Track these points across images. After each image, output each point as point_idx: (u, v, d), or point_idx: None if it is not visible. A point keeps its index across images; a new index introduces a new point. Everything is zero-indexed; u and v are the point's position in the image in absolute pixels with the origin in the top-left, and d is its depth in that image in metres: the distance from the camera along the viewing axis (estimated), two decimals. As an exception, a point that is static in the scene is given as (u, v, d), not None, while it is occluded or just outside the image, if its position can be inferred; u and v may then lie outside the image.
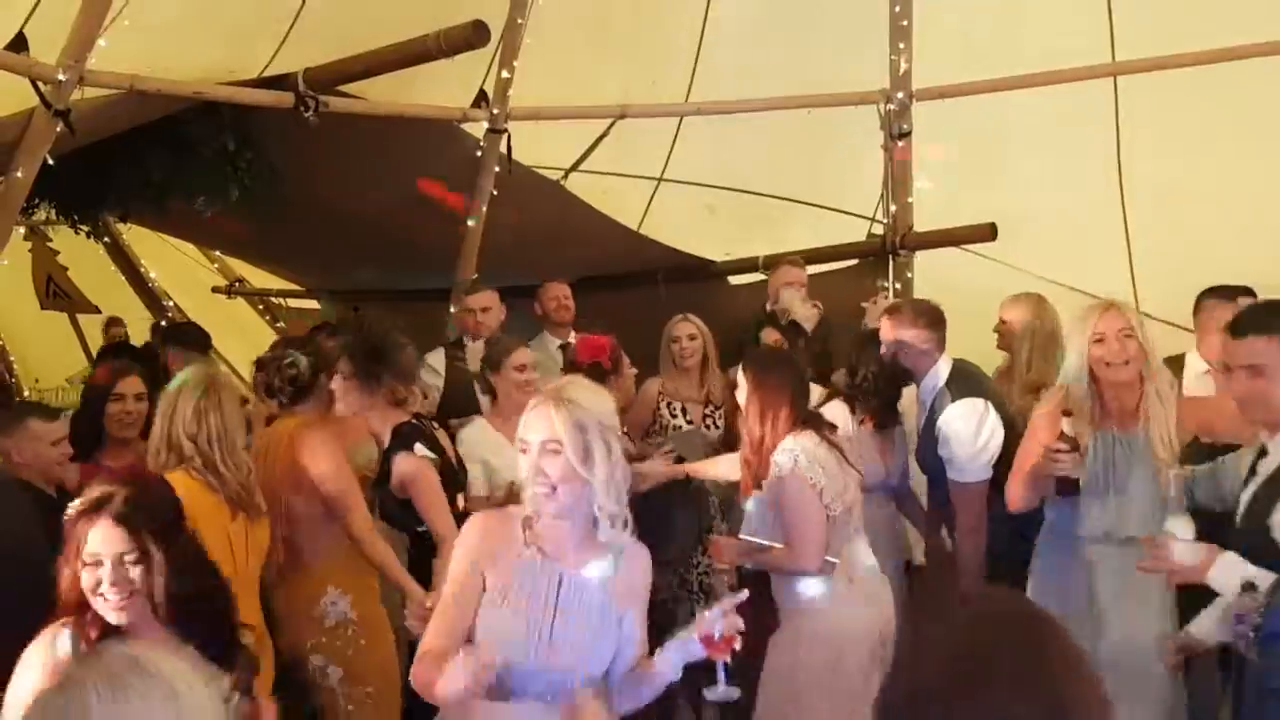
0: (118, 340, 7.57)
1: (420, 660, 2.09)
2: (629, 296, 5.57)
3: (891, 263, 5.48)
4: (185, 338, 5.07)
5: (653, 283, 5.71)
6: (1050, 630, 1.13)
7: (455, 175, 5.56)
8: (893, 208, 5.47)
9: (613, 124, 5.49)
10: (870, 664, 2.87)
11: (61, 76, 4.06)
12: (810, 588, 2.98)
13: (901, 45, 5.28)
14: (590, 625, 2.12)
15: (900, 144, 5.35)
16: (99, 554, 1.95)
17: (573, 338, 4.81)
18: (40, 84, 4.06)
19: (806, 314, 4.29)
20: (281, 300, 8.83)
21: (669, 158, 5.93)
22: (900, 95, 5.30)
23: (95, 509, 1.97)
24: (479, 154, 5.44)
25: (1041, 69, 4.94)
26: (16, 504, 2.67)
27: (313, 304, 8.41)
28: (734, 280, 5.94)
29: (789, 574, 2.99)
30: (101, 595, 1.95)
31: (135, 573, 1.96)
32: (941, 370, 3.55)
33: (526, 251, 5.89)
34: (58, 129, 4.14)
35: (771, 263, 5.21)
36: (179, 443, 2.75)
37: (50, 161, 4.21)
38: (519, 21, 5.23)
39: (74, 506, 2.00)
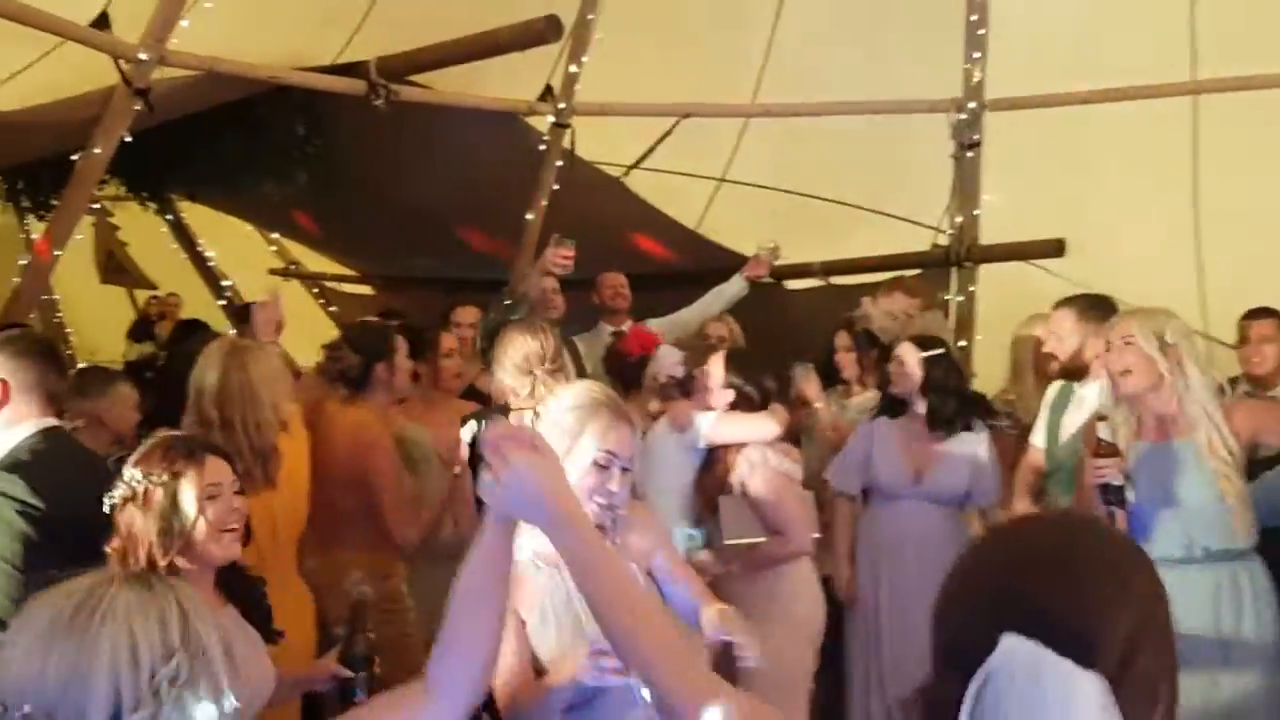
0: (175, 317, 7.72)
1: (509, 688, 2.08)
2: (684, 296, 5.54)
3: (955, 274, 5.40)
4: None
5: (709, 283, 5.67)
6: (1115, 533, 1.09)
7: (517, 168, 5.57)
8: (959, 218, 5.39)
9: (677, 123, 5.46)
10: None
11: (143, 56, 4.11)
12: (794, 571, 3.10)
13: (976, 54, 5.16)
14: None
15: (970, 154, 5.26)
16: (220, 481, 1.97)
17: (627, 327, 4.83)
18: (122, 62, 4.12)
19: (886, 327, 4.22)
20: (336, 284, 8.92)
21: (731, 158, 5.89)
22: (972, 105, 5.19)
23: (193, 452, 1.98)
24: (542, 148, 5.44)
25: (1120, 84, 4.83)
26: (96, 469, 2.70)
27: (366, 290, 8.48)
28: (790, 285, 5.89)
29: (782, 561, 3.06)
30: (227, 529, 1.96)
31: (240, 502, 2.00)
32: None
33: (584, 246, 5.87)
34: (137, 107, 4.20)
35: (831, 268, 5.15)
36: (207, 414, 2.69)
37: (129, 139, 4.27)
38: (589, 17, 5.22)
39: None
